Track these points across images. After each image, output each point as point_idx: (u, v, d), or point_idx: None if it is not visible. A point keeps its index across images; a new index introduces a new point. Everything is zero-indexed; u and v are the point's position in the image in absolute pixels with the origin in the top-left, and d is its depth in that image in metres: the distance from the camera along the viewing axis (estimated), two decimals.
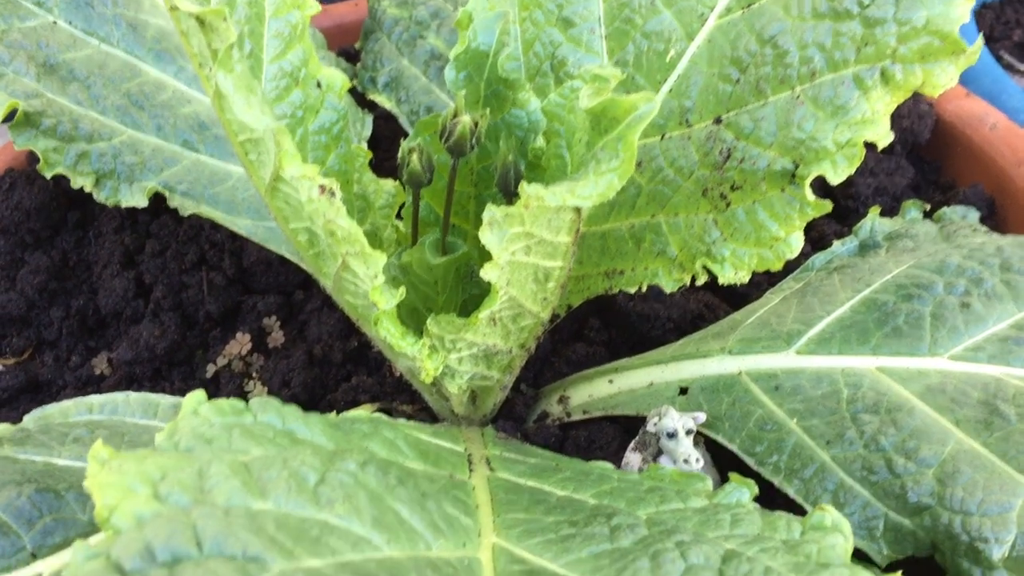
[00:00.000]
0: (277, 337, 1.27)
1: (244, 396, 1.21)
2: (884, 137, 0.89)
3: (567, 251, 0.83)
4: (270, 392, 1.20)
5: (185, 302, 1.30)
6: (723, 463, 0.97)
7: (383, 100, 1.42)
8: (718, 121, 0.96)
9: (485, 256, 0.77)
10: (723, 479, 0.90)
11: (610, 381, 1.08)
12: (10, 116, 1.15)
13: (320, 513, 0.57)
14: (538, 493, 0.79)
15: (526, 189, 0.69)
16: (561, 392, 1.12)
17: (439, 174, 0.96)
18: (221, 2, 0.85)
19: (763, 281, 1.23)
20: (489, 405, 1.09)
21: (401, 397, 1.18)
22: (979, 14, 2.23)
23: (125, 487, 0.53)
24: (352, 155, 1.02)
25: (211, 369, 1.25)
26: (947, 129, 1.45)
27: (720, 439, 0.95)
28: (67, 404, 0.98)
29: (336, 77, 0.99)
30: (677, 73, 1.00)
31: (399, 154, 0.89)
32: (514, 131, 0.96)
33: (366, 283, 0.82)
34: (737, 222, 0.96)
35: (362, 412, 0.80)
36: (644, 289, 1.05)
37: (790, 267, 1.07)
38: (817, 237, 1.32)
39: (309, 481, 0.60)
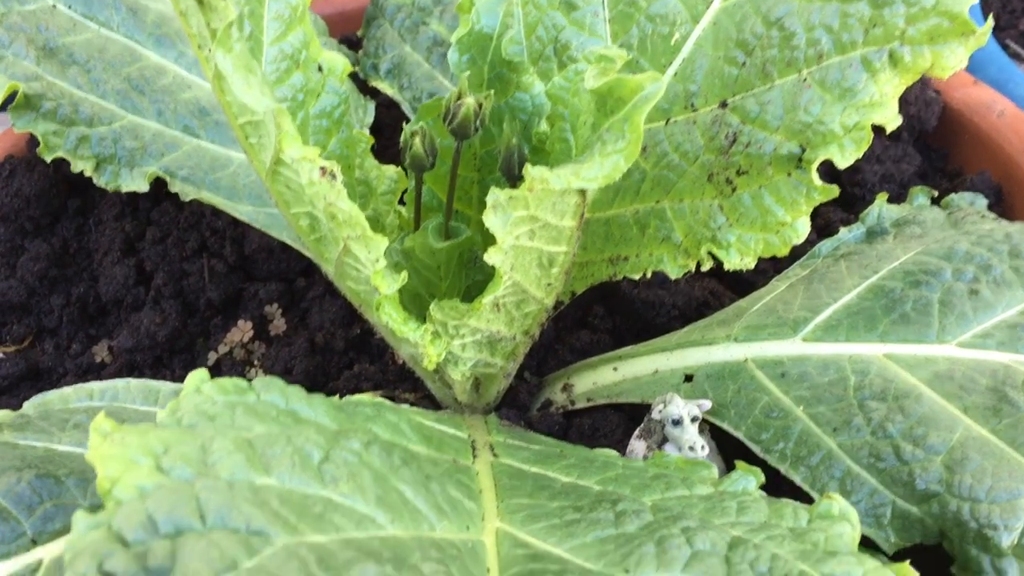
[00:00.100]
0: (279, 325, 1.27)
1: None
2: (892, 120, 0.88)
3: (572, 236, 0.83)
4: None
5: (186, 289, 1.29)
6: (728, 451, 0.96)
7: (385, 87, 1.41)
8: (724, 105, 0.95)
9: (489, 241, 0.76)
10: (728, 467, 0.89)
11: (614, 369, 1.07)
12: (9, 100, 1.14)
13: (324, 490, 0.57)
14: (542, 479, 0.78)
15: (530, 172, 0.69)
16: (565, 380, 1.12)
17: (442, 159, 0.95)
18: None
19: (768, 268, 1.23)
20: (492, 393, 1.08)
21: (403, 385, 1.18)
22: (985, 3, 2.22)
23: (127, 459, 0.52)
24: (354, 140, 1.01)
25: (212, 357, 1.24)
26: (954, 116, 1.44)
27: (726, 426, 0.94)
28: (67, 391, 0.98)
29: (337, 60, 0.98)
30: (682, 56, 0.99)
31: (402, 137, 0.88)
32: (518, 115, 0.95)
33: (368, 268, 0.82)
34: (743, 207, 0.96)
35: (365, 396, 0.79)
36: (648, 275, 1.04)
37: (796, 254, 1.06)
38: (823, 225, 1.31)
39: (313, 458, 0.59)
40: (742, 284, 1.26)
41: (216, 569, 0.47)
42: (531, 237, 0.78)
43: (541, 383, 1.15)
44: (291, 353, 1.21)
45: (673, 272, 1.02)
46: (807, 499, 0.76)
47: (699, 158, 0.97)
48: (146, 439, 0.54)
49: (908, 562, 0.71)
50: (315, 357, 1.21)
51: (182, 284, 1.29)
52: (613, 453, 0.86)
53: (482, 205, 0.74)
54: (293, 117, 0.93)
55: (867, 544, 0.82)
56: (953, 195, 1.17)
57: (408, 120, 1.37)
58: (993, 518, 0.77)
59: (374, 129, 1.42)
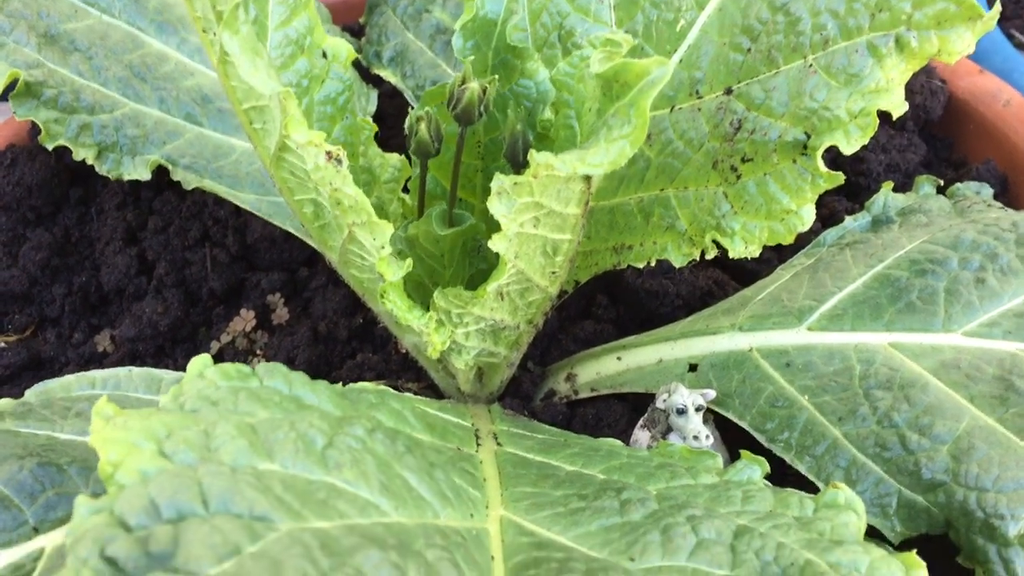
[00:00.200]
0: (281, 314, 1.26)
1: None
2: (898, 106, 0.87)
3: (576, 223, 0.82)
4: None
5: (188, 279, 1.29)
6: (732, 440, 0.96)
7: (388, 75, 1.40)
8: (729, 92, 0.95)
9: (493, 229, 0.76)
10: (733, 457, 0.89)
11: (618, 358, 1.07)
12: (11, 88, 1.14)
13: (328, 476, 0.56)
14: (546, 468, 0.78)
15: (536, 158, 0.68)
16: (568, 370, 1.11)
17: (446, 145, 0.94)
18: None
19: (773, 258, 1.22)
20: (496, 382, 1.07)
21: (406, 375, 1.17)
22: None
23: (130, 443, 0.52)
24: (358, 127, 1.01)
25: (215, 346, 1.24)
26: (960, 106, 1.43)
27: (730, 416, 0.94)
28: (69, 379, 0.97)
29: (342, 47, 0.97)
30: (687, 43, 0.98)
31: (407, 123, 0.87)
32: (522, 102, 0.95)
33: (372, 254, 0.81)
34: (748, 195, 0.95)
35: (368, 384, 0.78)
36: (653, 264, 1.03)
37: (800, 243, 1.05)
38: (827, 214, 1.30)
39: (317, 444, 0.59)
40: (746, 274, 1.26)
41: (219, 554, 0.46)
42: (536, 225, 0.77)
43: (544, 373, 1.15)
44: (294, 342, 1.20)
45: (677, 261, 1.01)
46: (812, 489, 0.75)
47: (704, 145, 0.97)
48: (149, 423, 0.54)
49: (914, 552, 0.71)
50: (318, 346, 1.21)
51: (184, 273, 1.29)
52: (617, 442, 0.85)
53: (486, 193, 0.73)
54: (298, 103, 0.92)
55: (872, 534, 0.81)
56: (959, 184, 1.17)
57: (411, 109, 1.36)
58: (1000, 507, 0.76)
59: (377, 118, 1.41)
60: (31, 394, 0.96)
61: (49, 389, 0.97)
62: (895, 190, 1.14)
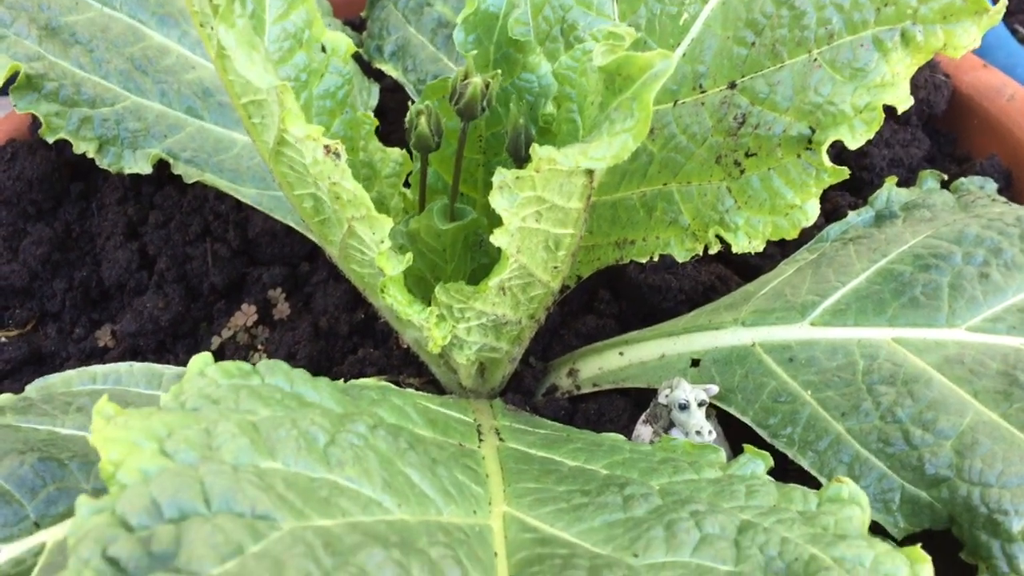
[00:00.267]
0: (282, 309, 1.26)
1: None
2: (904, 100, 0.86)
3: (578, 218, 0.82)
4: None
5: (189, 274, 1.29)
6: (735, 436, 0.95)
7: (389, 69, 1.40)
8: (732, 86, 0.94)
9: (495, 224, 0.76)
10: (735, 452, 0.89)
11: (620, 353, 1.07)
12: (11, 81, 1.13)
13: (330, 474, 0.56)
14: (549, 463, 0.77)
15: (538, 151, 0.68)
16: (571, 365, 1.11)
17: (447, 140, 0.94)
18: None
19: (776, 253, 1.22)
20: (498, 378, 1.07)
21: (408, 370, 1.17)
22: None
23: (131, 443, 0.51)
24: (358, 122, 1.00)
25: (216, 341, 1.23)
26: (963, 101, 1.42)
27: (733, 411, 0.94)
28: (70, 374, 0.97)
29: (341, 40, 0.97)
30: (691, 37, 0.98)
31: (407, 117, 0.87)
32: (524, 96, 0.94)
33: (372, 249, 0.81)
34: (751, 189, 0.95)
35: (370, 380, 0.78)
36: (655, 259, 1.03)
37: (803, 239, 1.05)
38: (831, 209, 1.30)
39: (319, 442, 0.58)
40: (749, 269, 1.26)
41: (221, 554, 0.46)
42: (538, 219, 0.77)
43: (546, 368, 1.15)
44: (295, 338, 1.20)
45: (680, 256, 1.01)
46: (814, 485, 0.75)
47: (707, 140, 0.96)
48: (149, 422, 0.54)
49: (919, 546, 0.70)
50: (319, 342, 1.21)
51: (185, 268, 1.29)
52: (620, 437, 0.85)
53: (488, 188, 0.73)
54: (296, 97, 0.92)
55: (876, 530, 0.81)
56: (963, 179, 1.16)
57: (413, 103, 1.36)
58: (1003, 503, 0.76)
59: (378, 113, 1.41)
60: (32, 389, 0.96)
61: (50, 384, 0.97)
62: (899, 185, 1.14)
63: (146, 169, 1.18)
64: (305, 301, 1.28)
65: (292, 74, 0.94)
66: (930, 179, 1.17)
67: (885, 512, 0.82)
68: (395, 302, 0.85)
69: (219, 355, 1.22)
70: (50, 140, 1.16)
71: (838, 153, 1.11)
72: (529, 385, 1.11)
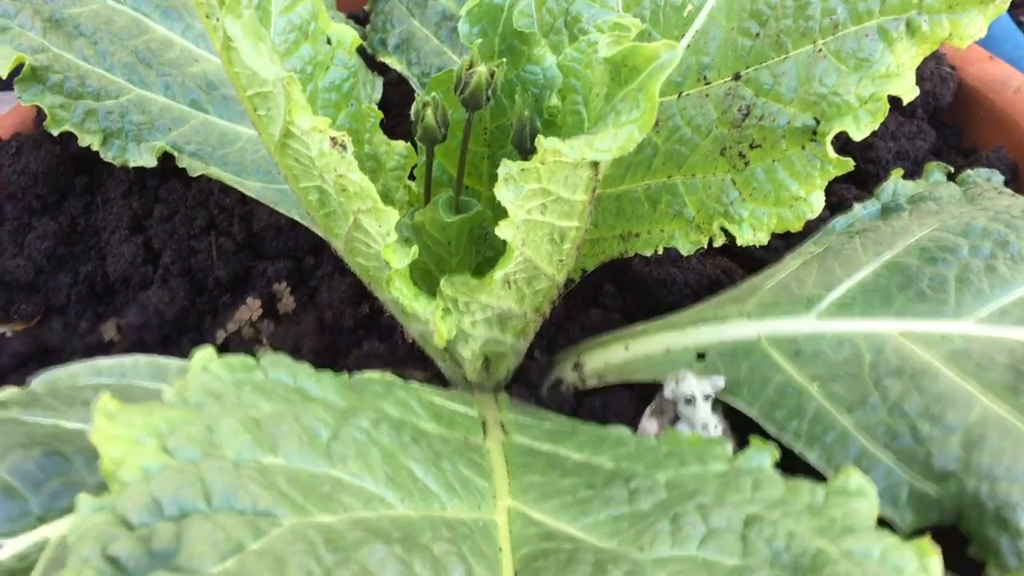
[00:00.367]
0: (288, 303, 1.26)
1: None
2: (909, 91, 0.86)
3: (584, 211, 0.81)
4: None
5: (194, 267, 1.29)
6: (741, 430, 0.95)
7: (393, 62, 1.39)
8: (737, 77, 0.94)
9: (500, 217, 0.75)
10: (741, 446, 0.88)
11: (626, 347, 1.06)
12: (15, 73, 1.13)
13: (332, 469, 0.56)
14: (554, 457, 0.77)
15: (543, 143, 0.67)
16: (576, 358, 1.11)
17: (452, 132, 0.94)
18: None
19: (781, 246, 1.21)
20: (503, 371, 1.07)
21: (413, 364, 1.17)
22: None
23: (132, 440, 0.51)
24: (363, 114, 1.00)
25: (221, 335, 1.23)
26: (969, 93, 1.42)
27: (739, 405, 0.93)
28: (75, 367, 0.97)
29: (346, 33, 0.97)
30: (695, 28, 0.97)
31: (413, 108, 0.87)
32: (529, 88, 0.94)
33: (378, 242, 0.81)
34: (756, 181, 0.94)
35: (374, 374, 0.78)
36: (660, 252, 1.03)
37: (809, 232, 1.05)
38: (836, 202, 1.29)
39: (321, 437, 0.58)
40: (754, 262, 1.25)
41: (222, 552, 0.46)
42: (543, 211, 0.77)
43: (551, 362, 1.14)
44: (300, 331, 1.20)
45: (685, 248, 1.00)
46: (820, 480, 0.74)
47: (712, 132, 0.96)
48: (151, 419, 0.54)
49: (927, 538, 0.70)
50: (324, 335, 1.20)
51: (190, 262, 1.29)
52: (625, 430, 0.85)
53: (493, 180, 0.73)
54: (302, 90, 0.92)
55: (883, 524, 0.80)
56: (969, 171, 1.16)
57: (417, 96, 1.35)
58: (1012, 498, 0.75)
59: (382, 106, 1.40)
60: (37, 383, 0.96)
61: (55, 378, 0.96)
62: (905, 178, 1.13)
63: (150, 162, 1.17)
64: (310, 295, 1.28)
65: (298, 66, 0.94)
66: (936, 171, 1.16)
67: (892, 507, 0.82)
68: (401, 295, 0.84)
69: (224, 349, 1.22)
70: (55, 132, 1.15)
71: (843, 145, 1.10)
72: (534, 379, 1.11)
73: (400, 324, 1.09)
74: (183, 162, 1.18)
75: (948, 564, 0.67)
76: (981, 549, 0.76)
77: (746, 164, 0.94)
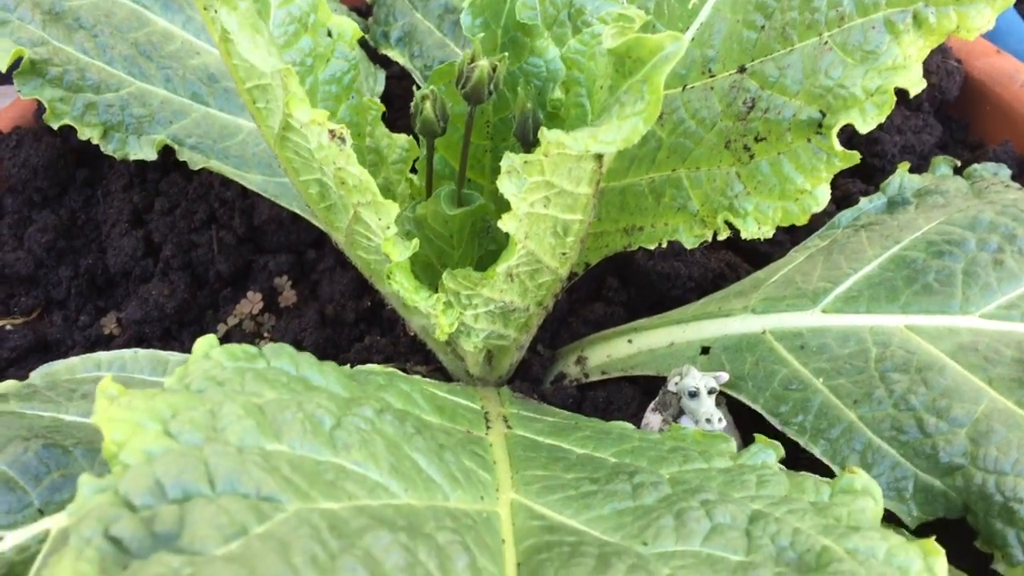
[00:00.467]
0: (288, 297, 1.25)
1: None
2: (916, 83, 0.85)
3: (587, 204, 0.81)
4: None
5: (195, 261, 1.28)
6: (745, 424, 0.94)
7: (396, 55, 1.39)
8: (742, 70, 0.93)
9: (503, 209, 0.75)
10: (746, 440, 0.88)
11: (629, 341, 1.06)
12: (15, 66, 1.12)
13: (336, 457, 0.55)
14: (557, 451, 0.77)
15: (547, 135, 0.67)
16: (579, 353, 1.10)
17: (454, 125, 0.93)
18: None
19: (786, 240, 1.21)
20: (505, 365, 1.06)
21: (415, 358, 1.16)
22: None
23: (134, 423, 0.51)
24: (364, 107, 0.99)
25: (222, 329, 1.23)
26: (976, 86, 1.41)
27: (743, 399, 0.93)
28: (74, 361, 0.97)
29: (347, 25, 0.96)
30: (700, 21, 0.96)
31: (412, 102, 0.86)
32: (532, 80, 0.93)
33: (379, 235, 0.80)
34: (761, 175, 0.93)
35: (377, 367, 0.77)
36: (664, 246, 1.02)
37: (814, 225, 1.04)
38: (841, 196, 1.29)
39: (325, 425, 0.58)
40: (759, 256, 1.25)
41: (225, 535, 0.45)
42: (546, 204, 0.76)
43: (554, 356, 1.14)
44: (301, 325, 1.20)
45: (689, 242, 1.00)
46: (825, 473, 0.74)
47: (716, 125, 0.95)
48: (154, 403, 0.53)
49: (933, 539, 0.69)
50: (325, 329, 1.20)
51: (191, 256, 1.28)
52: (629, 425, 0.84)
53: (495, 174, 0.72)
54: (302, 82, 0.91)
55: (889, 518, 0.80)
56: (976, 165, 1.15)
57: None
58: (1019, 491, 0.75)
59: (385, 100, 1.40)
60: (36, 376, 0.95)
61: (54, 371, 0.96)
62: (911, 172, 1.12)
63: (151, 155, 1.17)
64: (311, 288, 1.27)
65: (297, 59, 0.93)
66: (943, 165, 1.15)
67: (898, 500, 0.81)
68: (402, 288, 0.84)
69: (225, 342, 1.21)
70: (55, 126, 1.15)
71: (849, 139, 1.10)
72: (537, 373, 1.11)
73: (402, 318, 1.09)
74: (184, 155, 1.17)
75: (954, 557, 0.66)
76: (988, 542, 0.76)
77: (751, 157, 0.94)
